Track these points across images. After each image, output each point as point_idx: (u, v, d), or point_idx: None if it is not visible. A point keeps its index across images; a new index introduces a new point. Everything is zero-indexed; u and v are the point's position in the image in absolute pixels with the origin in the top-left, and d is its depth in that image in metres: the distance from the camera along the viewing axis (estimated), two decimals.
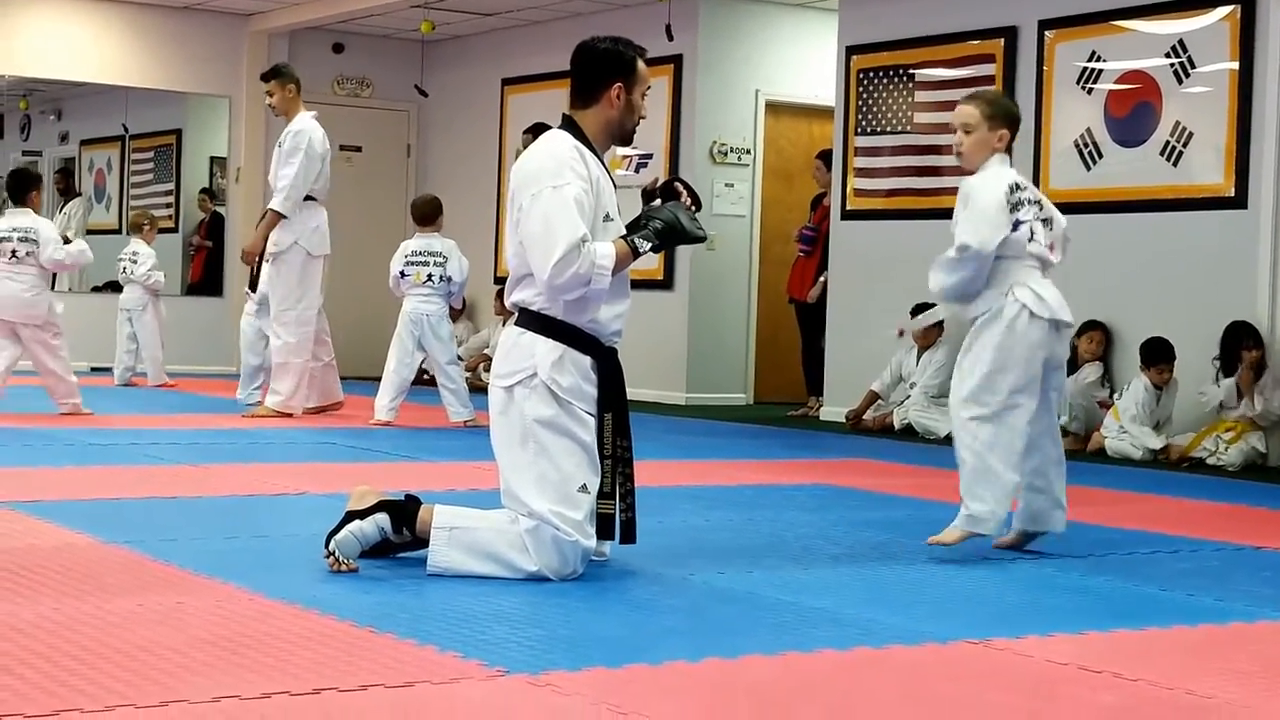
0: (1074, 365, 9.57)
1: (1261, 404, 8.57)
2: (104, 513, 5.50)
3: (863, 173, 11.11)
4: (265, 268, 9.80)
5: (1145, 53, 9.42)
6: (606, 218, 4.59)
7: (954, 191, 11.03)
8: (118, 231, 14.94)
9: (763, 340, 12.74)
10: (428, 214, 9.85)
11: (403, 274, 9.64)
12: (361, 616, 3.82)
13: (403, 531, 4.50)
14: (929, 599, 4.47)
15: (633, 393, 13.26)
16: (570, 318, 4.51)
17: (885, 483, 7.42)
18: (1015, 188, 5.15)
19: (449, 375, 9.60)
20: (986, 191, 5.13)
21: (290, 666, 3.33)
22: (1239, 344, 8.63)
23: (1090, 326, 9.44)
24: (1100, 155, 9.62)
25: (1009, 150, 5.26)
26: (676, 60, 12.38)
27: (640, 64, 4.71)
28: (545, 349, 4.48)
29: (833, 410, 11.12)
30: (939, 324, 10.24)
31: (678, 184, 4.78)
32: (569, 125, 4.67)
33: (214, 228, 14.76)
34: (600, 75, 4.66)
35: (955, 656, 3.72)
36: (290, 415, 9.53)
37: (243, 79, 14.31)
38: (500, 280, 13.47)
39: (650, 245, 4.57)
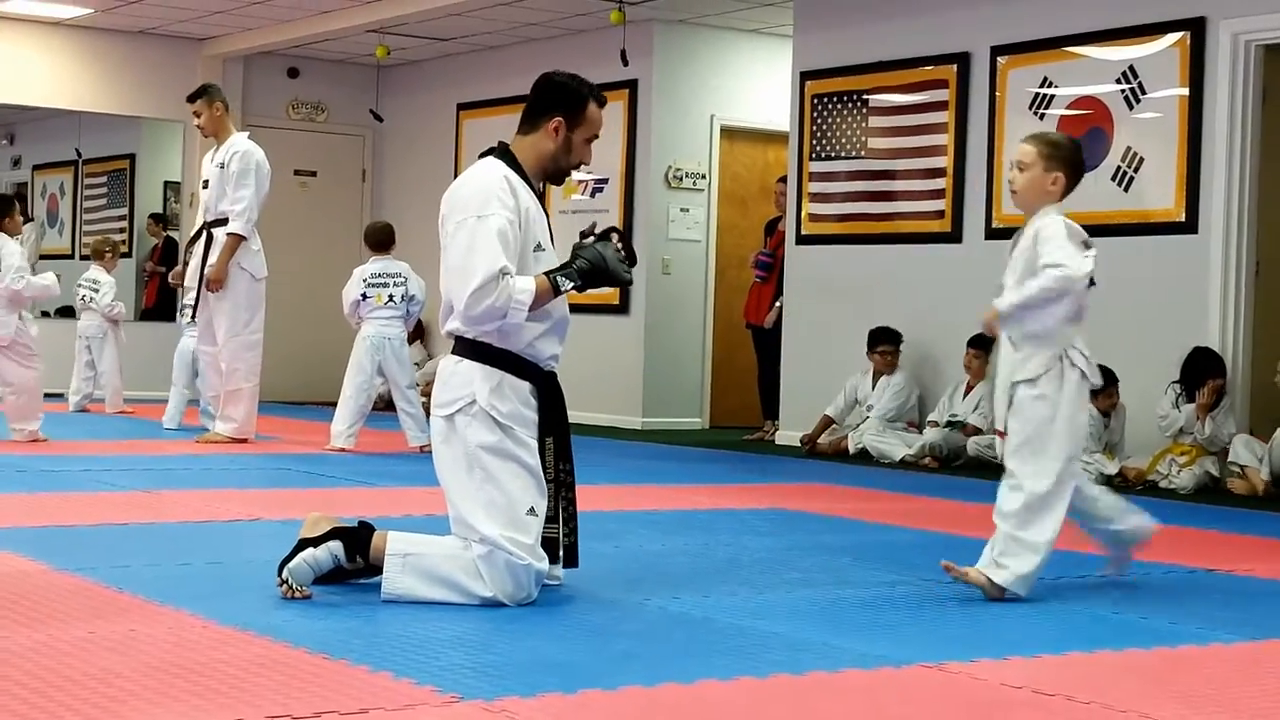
0: None
1: (1211, 428, 8.63)
2: (56, 540, 5.46)
3: (817, 198, 11.16)
4: (205, 295, 9.53)
5: (1096, 79, 9.50)
6: (538, 247, 4.57)
7: (908, 216, 11.17)
8: (70, 257, 14.86)
9: (718, 365, 12.76)
10: (383, 239, 9.82)
11: (364, 296, 9.60)
12: (315, 643, 3.81)
13: (356, 559, 4.49)
14: (884, 623, 4.48)
15: (588, 417, 13.39)
16: (504, 344, 4.49)
17: (841, 507, 7.44)
18: (1086, 244, 4.94)
19: (408, 399, 9.56)
20: (1065, 230, 4.87)
21: (244, 694, 3.31)
22: (1203, 370, 8.68)
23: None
24: None
25: (1062, 199, 5.04)
26: (632, 85, 12.41)
27: (591, 106, 4.66)
28: (482, 376, 4.46)
29: (788, 434, 11.14)
30: (897, 350, 10.28)
31: (614, 232, 4.72)
32: (503, 153, 4.64)
33: (167, 253, 14.69)
34: (545, 105, 4.65)
35: (910, 680, 3.73)
36: (245, 441, 9.47)
37: None
38: None
39: (572, 284, 4.52)
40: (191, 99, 9.72)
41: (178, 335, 14.18)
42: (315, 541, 4.46)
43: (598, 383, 12.60)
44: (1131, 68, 9.32)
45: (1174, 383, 8.84)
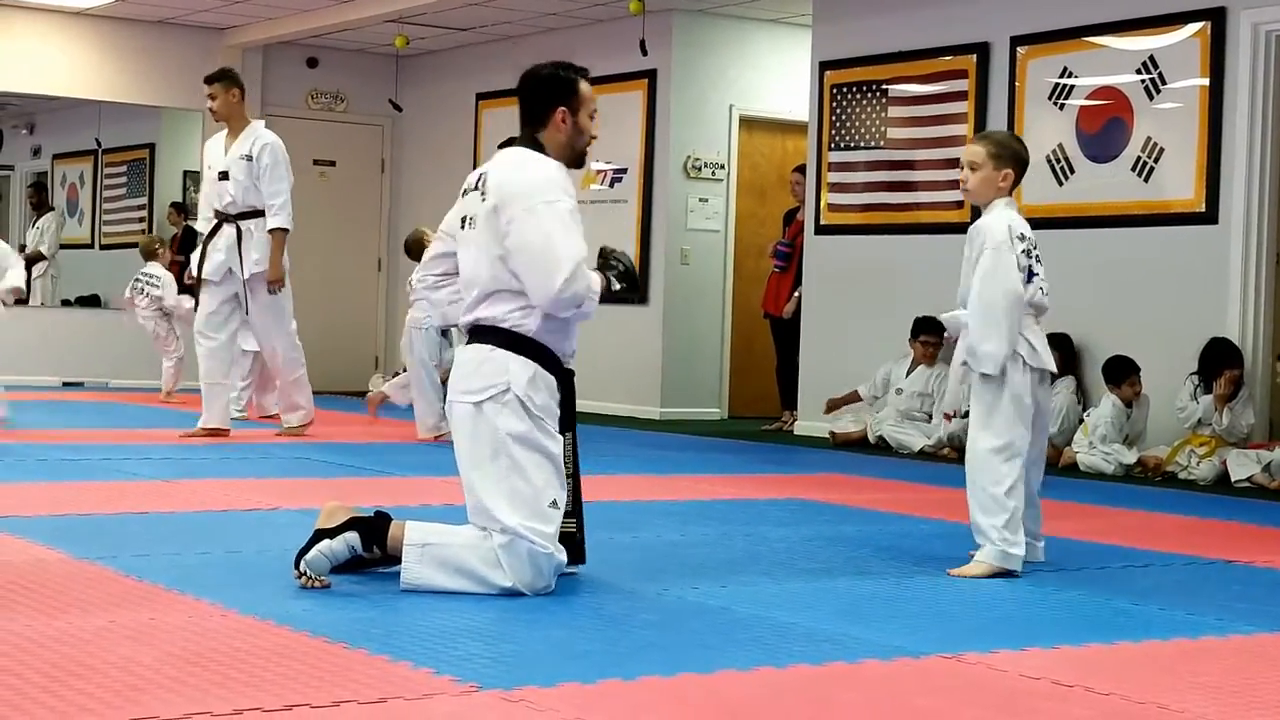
0: None
1: (1229, 419, 8.61)
2: (76, 528, 5.48)
3: (836, 188, 11.14)
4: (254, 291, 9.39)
5: (1116, 69, 9.47)
6: None
7: (927, 206, 11.15)
8: (90, 246, 14.91)
9: (737, 355, 12.76)
10: (417, 251, 9.84)
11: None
12: (334, 632, 3.82)
13: (373, 549, 4.49)
14: (903, 614, 4.48)
15: (607, 407, 13.41)
16: (540, 336, 4.52)
17: (859, 497, 7.43)
18: (1021, 237, 5.22)
19: (418, 391, 9.62)
20: (1000, 230, 5.19)
21: (262, 683, 3.32)
22: (1221, 361, 8.66)
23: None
24: (1072, 171, 9.66)
25: (1013, 191, 5.35)
26: (651, 75, 12.40)
27: (582, 85, 4.74)
28: (519, 366, 4.48)
29: (807, 425, 11.13)
30: (940, 342, 10.14)
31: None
32: (536, 145, 4.69)
33: (185, 241, 14.71)
34: (544, 101, 4.71)
35: (929, 671, 3.73)
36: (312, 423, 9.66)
37: None
38: None
39: (620, 285, 4.71)
40: (209, 80, 9.52)
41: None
42: (331, 533, 4.46)
43: (616, 373, 12.60)
44: (1152, 58, 9.29)
45: (1192, 374, 8.82)
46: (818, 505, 7.08)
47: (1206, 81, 9.03)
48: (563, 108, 4.69)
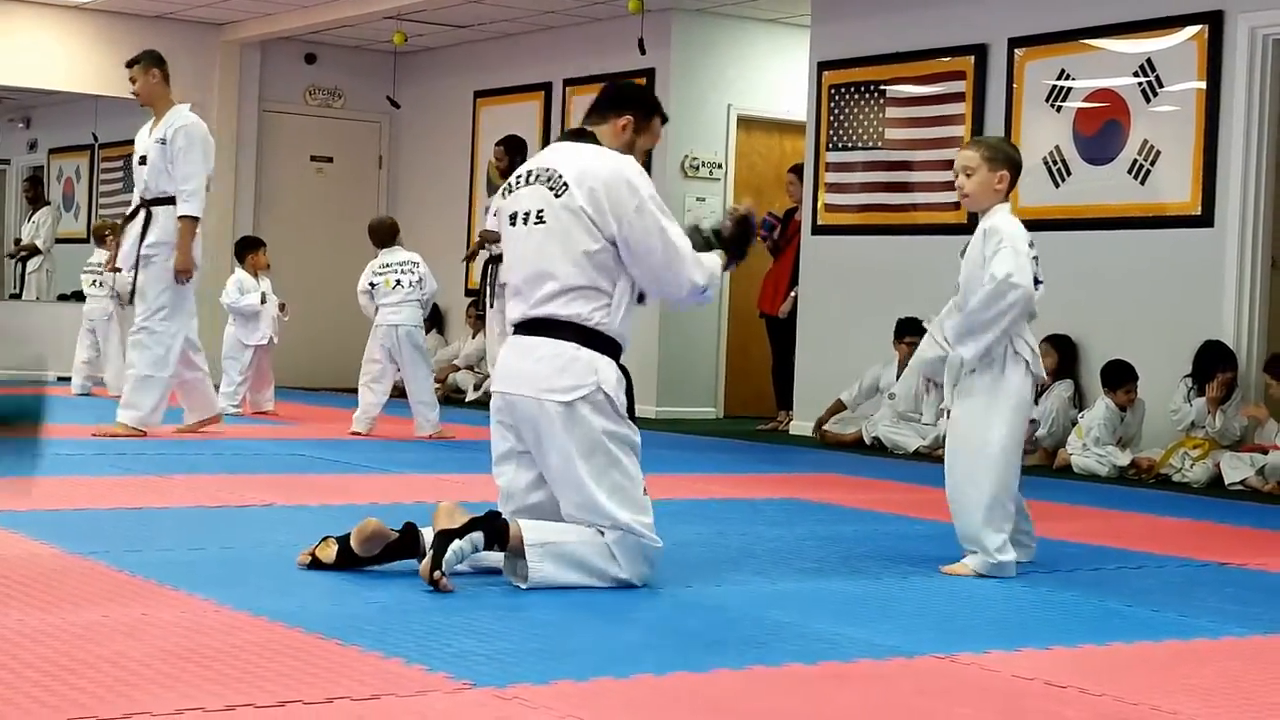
0: None
1: (1222, 421, 8.62)
2: (69, 523, 5.47)
3: (834, 188, 11.15)
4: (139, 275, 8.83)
5: (1114, 71, 9.48)
6: None
7: (924, 207, 11.14)
8: (86, 240, 14.89)
9: (733, 354, 12.76)
10: (384, 236, 9.86)
11: (372, 285, 9.65)
12: (328, 629, 3.81)
13: (494, 547, 4.53)
14: (896, 613, 4.48)
15: None
16: (618, 334, 4.66)
17: (854, 497, 7.43)
18: (1031, 243, 5.26)
19: (421, 387, 9.60)
20: (1017, 234, 5.20)
21: (256, 679, 3.32)
22: (1213, 364, 8.68)
23: (1044, 340, 9.54)
24: (1069, 173, 9.66)
25: (1008, 196, 5.35)
26: (649, 74, 12.40)
27: (658, 119, 4.89)
28: (606, 365, 4.61)
29: (803, 424, 11.13)
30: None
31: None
32: (589, 138, 4.77)
33: None
34: (619, 103, 4.84)
35: (922, 671, 3.73)
36: (143, 434, 8.73)
37: (214, 89, 14.27)
38: (471, 292, 13.46)
39: (735, 262, 4.97)
40: (129, 64, 9.13)
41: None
42: (459, 533, 4.48)
43: None
44: (1149, 60, 9.30)
45: (1186, 376, 8.83)
46: (812, 505, 7.08)
47: (1203, 85, 9.03)
48: (630, 117, 4.80)
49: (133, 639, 3.65)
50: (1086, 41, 9.64)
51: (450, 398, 12.81)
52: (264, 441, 8.97)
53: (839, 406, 10.64)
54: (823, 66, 11.24)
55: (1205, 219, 9.01)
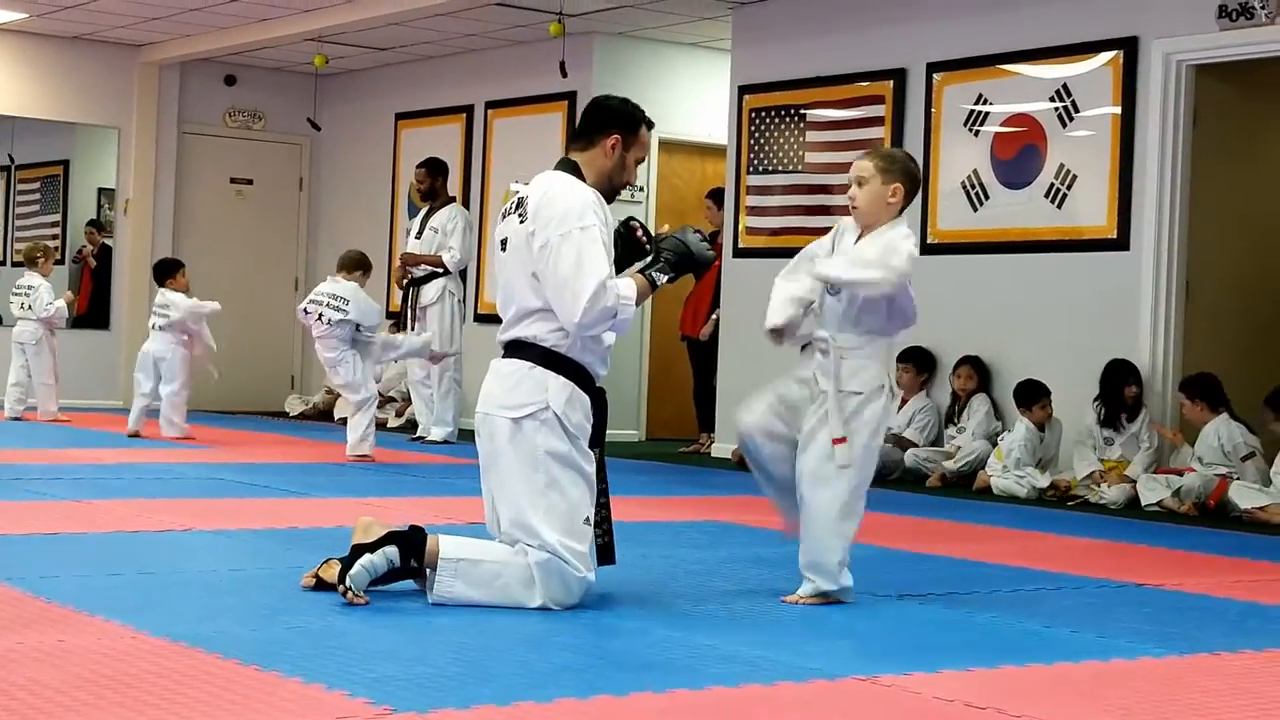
0: (955, 399, 9.72)
1: (1127, 436, 8.76)
2: None
3: (755, 211, 11.19)
4: None
5: (1030, 96, 9.58)
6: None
7: None
8: (3, 263, 14.71)
9: (655, 377, 12.77)
10: (343, 263, 9.97)
11: (305, 310, 9.75)
12: (246, 655, 3.78)
13: (410, 563, 4.55)
14: (817, 635, 4.49)
15: None
16: (578, 356, 4.66)
17: (775, 519, 7.41)
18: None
19: (351, 411, 9.70)
20: (904, 243, 4.94)
21: (174, 705, 3.29)
22: (1120, 380, 8.80)
23: (963, 361, 9.63)
24: (987, 196, 9.75)
25: (902, 211, 5.10)
26: (570, 97, 12.41)
27: (643, 129, 4.95)
28: (558, 385, 4.64)
29: (724, 447, 11.15)
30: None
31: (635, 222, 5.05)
32: (572, 169, 4.83)
33: (101, 260, 14.56)
34: (603, 123, 4.89)
35: (844, 693, 3.75)
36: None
37: (133, 110, 14.17)
38: (391, 315, 13.40)
39: (667, 277, 4.83)
40: None
41: (111, 342, 14.17)
42: (371, 547, 4.52)
43: None
44: (1065, 86, 9.41)
45: (1095, 399, 8.94)
46: (734, 527, 7.09)
47: (1119, 110, 9.14)
48: (618, 135, 4.86)
49: (49, 666, 3.60)
50: (1004, 67, 9.74)
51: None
52: (182, 465, 8.89)
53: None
54: (743, 90, 11.30)
55: (1121, 242, 9.12)
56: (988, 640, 4.54)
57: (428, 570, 4.57)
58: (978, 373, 9.60)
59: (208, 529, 6.16)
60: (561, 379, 4.64)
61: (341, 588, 4.46)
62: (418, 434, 11.39)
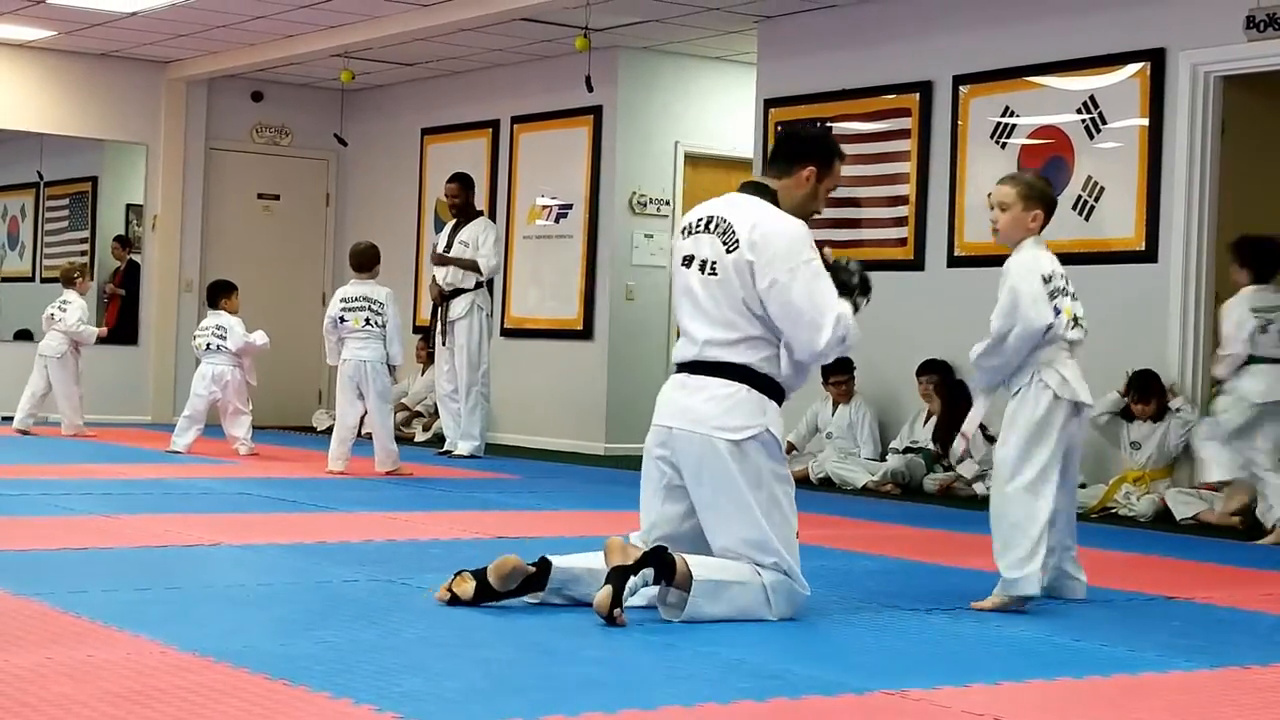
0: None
1: (1157, 440, 8.74)
2: (12, 564, 5.42)
3: None
4: None
5: (1057, 108, 9.56)
6: None
7: (872, 243, 11.18)
8: (31, 279, 14.79)
9: None
10: (364, 261, 9.93)
11: (342, 319, 9.69)
12: (274, 669, 3.78)
13: (660, 582, 4.67)
14: (846, 650, 4.48)
15: (551, 442, 13.35)
16: (787, 381, 4.87)
17: (804, 533, 7.40)
18: (1048, 278, 5.39)
19: (380, 423, 9.67)
20: (1024, 279, 5.35)
21: None
22: (1146, 390, 8.77)
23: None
24: None
25: (1042, 230, 5.51)
26: (596, 111, 12.43)
27: (838, 162, 5.12)
28: (774, 409, 4.86)
29: None
30: (850, 378, 10.29)
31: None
32: (768, 194, 4.94)
33: (129, 276, 14.63)
34: (800, 153, 5.04)
35: (872, 707, 3.73)
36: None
37: (160, 127, 14.23)
38: (420, 329, 13.43)
39: (866, 300, 5.04)
40: None
41: (139, 358, 14.22)
42: (634, 569, 4.61)
43: (561, 408, 12.60)
44: (1092, 98, 9.39)
45: (1117, 391, 8.93)
46: None
47: (1146, 121, 9.12)
48: (813, 167, 5.00)
49: (78, 681, 3.61)
50: (1030, 79, 9.72)
51: (399, 436, 12.76)
52: (210, 480, 8.92)
53: (789, 448, 10.64)
54: (769, 103, 11.30)
55: (1149, 254, 9.09)
56: (1017, 654, 4.53)
57: (671, 589, 4.67)
58: None
59: (236, 544, 6.17)
60: (774, 404, 4.84)
61: (616, 610, 4.52)
62: (445, 448, 11.39)
